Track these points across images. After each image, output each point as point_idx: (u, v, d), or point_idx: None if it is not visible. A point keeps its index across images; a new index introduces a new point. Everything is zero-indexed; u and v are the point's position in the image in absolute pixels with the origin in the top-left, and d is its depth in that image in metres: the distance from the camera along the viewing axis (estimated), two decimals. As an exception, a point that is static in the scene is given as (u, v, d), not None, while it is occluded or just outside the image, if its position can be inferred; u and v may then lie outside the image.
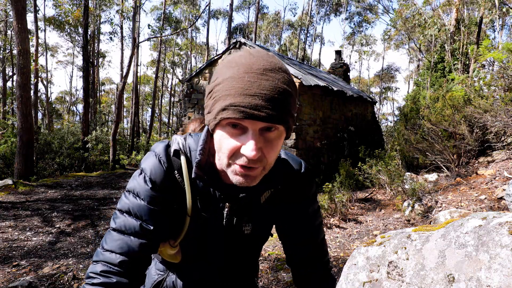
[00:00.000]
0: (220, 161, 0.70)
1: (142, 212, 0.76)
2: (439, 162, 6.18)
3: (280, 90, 0.61)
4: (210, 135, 0.79)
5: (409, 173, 6.16)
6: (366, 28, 38.78)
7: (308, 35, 29.28)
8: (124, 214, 0.77)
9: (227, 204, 0.83)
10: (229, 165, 0.68)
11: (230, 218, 0.85)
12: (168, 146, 0.80)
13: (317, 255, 0.94)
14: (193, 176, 0.76)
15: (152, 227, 0.77)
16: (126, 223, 0.76)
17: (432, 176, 6.12)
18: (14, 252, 3.83)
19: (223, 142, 0.66)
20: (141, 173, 0.78)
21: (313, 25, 30.38)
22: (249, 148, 0.62)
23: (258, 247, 0.98)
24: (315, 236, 0.93)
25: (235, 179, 0.68)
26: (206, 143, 0.78)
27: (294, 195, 0.89)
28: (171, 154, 0.79)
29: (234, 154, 0.66)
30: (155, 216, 0.77)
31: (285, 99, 0.62)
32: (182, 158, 0.79)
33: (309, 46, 31.14)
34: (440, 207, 4.62)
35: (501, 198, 4.28)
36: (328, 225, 4.90)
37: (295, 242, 0.94)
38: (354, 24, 32.78)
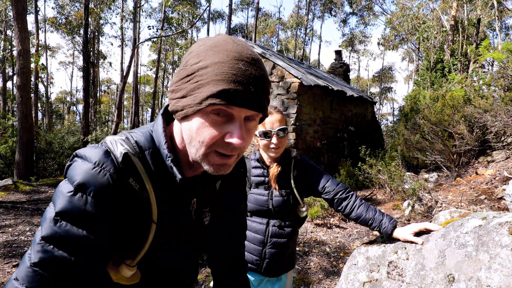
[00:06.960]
0: (196, 151, 0.65)
1: (80, 244, 0.60)
2: (439, 162, 6.19)
3: (264, 80, 0.64)
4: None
5: (409, 173, 6.17)
6: (363, 28, 38.72)
7: (305, 33, 29.22)
8: (53, 246, 0.59)
9: (194, 199, 0.79)
10: (206, 155, 0.65)
11: (197, 212, 0.81)
12: (107, 152, 0.64)
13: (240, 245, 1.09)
14: (179, 177, 0.67)
15: (90, 263, 0.63)
16: (54, 260, 0.59)
17: (432, 176, 6.13)
18: (14, 252, 3.83)
19: (204, 130, 0.62)
20: (75, 192, 0.60)
21: (309, 24, 30.36)
22: (237, 136, 0.62)
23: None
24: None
25: (212, 168, 0.66)
26: (167, 135, 0.70)
27: (233, 183, 0.94)
28: (119, 159, 0.64)
29: (215, 143, 0.63)
30: (98, 245, 0.62)
31: (267, 89, 0.65)
32: (136, 160, 0.66)
33: (306, 45, 31.14)
34: (440, 207, 4.62)
35: (501, 198, 4.28)
36: (328, 225, 4.91)
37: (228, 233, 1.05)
38: (350, 26, 32.80)
